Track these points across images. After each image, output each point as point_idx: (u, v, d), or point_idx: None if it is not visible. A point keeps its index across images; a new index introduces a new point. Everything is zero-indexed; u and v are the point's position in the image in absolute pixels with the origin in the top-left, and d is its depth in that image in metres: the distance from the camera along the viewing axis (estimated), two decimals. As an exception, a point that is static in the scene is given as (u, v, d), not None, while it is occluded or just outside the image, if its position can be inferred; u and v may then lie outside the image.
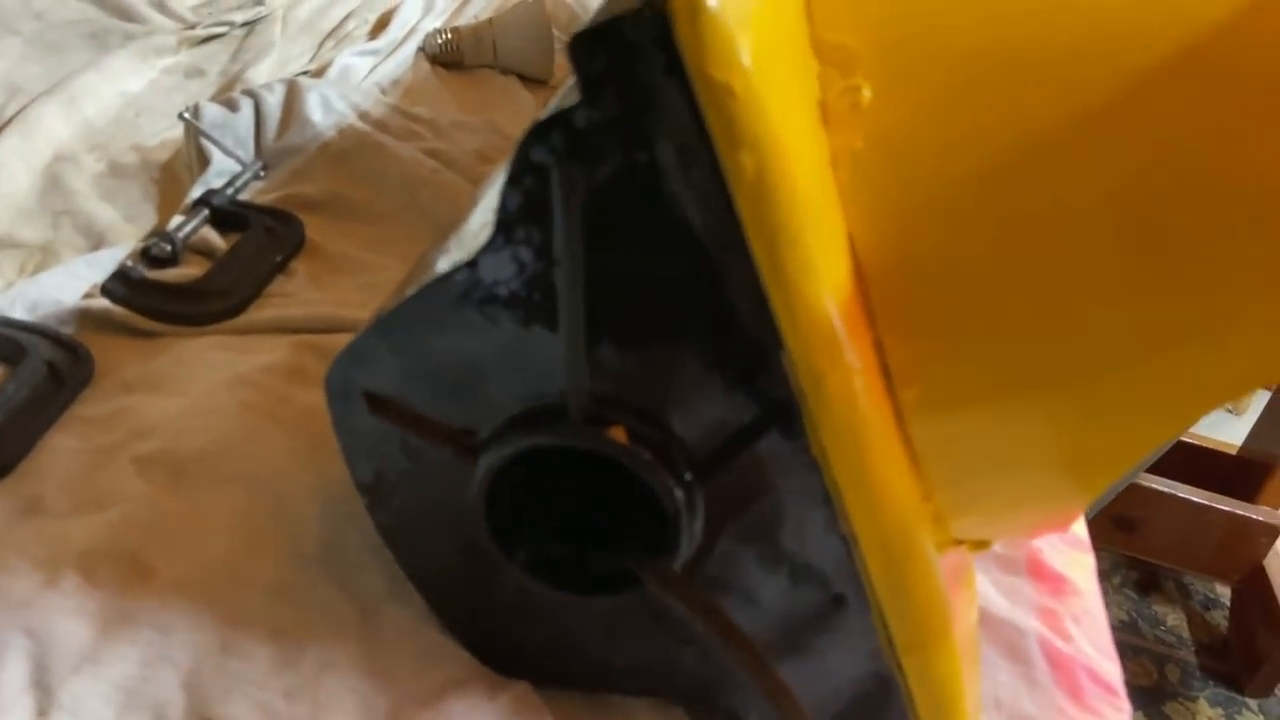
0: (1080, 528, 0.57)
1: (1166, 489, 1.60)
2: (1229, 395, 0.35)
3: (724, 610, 0.35)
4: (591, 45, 0.27)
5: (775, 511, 0.34)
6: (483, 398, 0.34)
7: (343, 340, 0.52)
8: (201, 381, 0.47)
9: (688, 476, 0.33)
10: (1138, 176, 0.30)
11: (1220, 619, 1.76)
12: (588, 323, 0.31)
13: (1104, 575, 1.81)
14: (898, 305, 0.33)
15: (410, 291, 0.34)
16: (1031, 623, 0.49)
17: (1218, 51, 0.29)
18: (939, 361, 0.34)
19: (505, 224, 0.30)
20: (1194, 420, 0.35)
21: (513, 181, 0.30)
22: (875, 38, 0.32)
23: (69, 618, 0.37)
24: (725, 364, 0.31)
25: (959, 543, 0.40)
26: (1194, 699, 1.61)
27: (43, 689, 0.35)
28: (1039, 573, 0.53)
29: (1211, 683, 1.65)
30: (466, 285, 0.32)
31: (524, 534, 0.37)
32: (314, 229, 0.61)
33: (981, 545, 0.47)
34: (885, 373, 0.34)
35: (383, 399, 0.36)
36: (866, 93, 0.31)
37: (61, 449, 0.44)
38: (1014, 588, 0.52)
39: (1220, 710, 1.60)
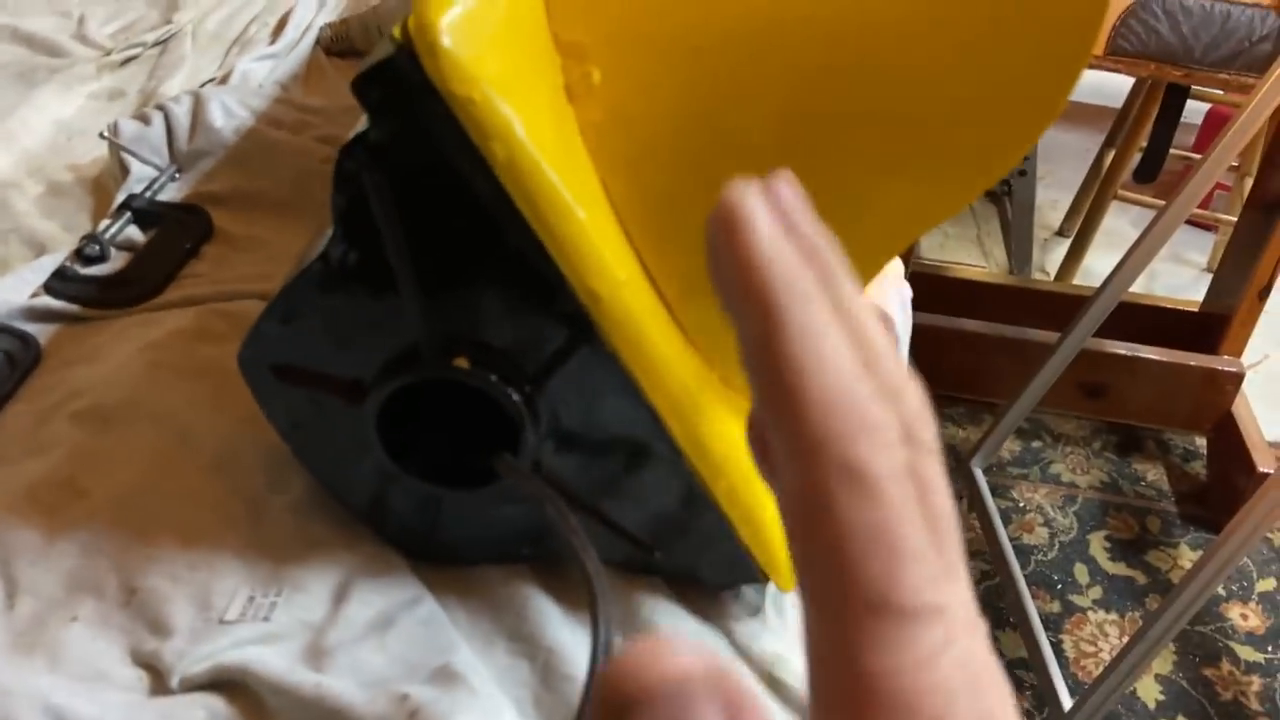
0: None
1: (1131, 352, 1.66)
2: (883, 260, 0.45)
3: (548, 487, 0.45)
4: (367, 83, 0.38)
5: (600, 397, 0.44)
6: (361, 354, 0.45)
7: (243, 305, 0.64)
8: (123, 350, 0.59)
9: (526, 388, 0.44)
10: (786, 107, 0.40)
11: (1200, 469, 1.82)
12: (419, 283, 0.42)
13: (1083, 442, 1.88)
14: (644, 228, 0.44)
15: (287, 282, 0.44)
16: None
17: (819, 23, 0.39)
18: (680, 263, 0.45)
19: (339, 221, 0.41)
20: (870, 277, 0.45)
21: (337, 189, 0.40)
22: (598, 32, 0.42)
23: (24, 529, 0.49)
24: (530, 296, 0.42)
25: None
26: (1175, 545, 1.69)
27: (8, 579, 0.47)
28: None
29: (1192, 529, 1.73)
30: (324, 271, 0.43)
31: (412, 451, 0.47)
32: (221, 219, 0.72)
33: None
34: (651, 278, 0.45)
35: (284, 367, 0.47)
36: (596, 76, 0.42)
37: (16, 414, 0.56)
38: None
39: (1201, 552, 1.67)
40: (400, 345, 0.44)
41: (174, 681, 0.44)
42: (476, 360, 0.44)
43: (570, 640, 0.48)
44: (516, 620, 0.49)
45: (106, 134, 0.74)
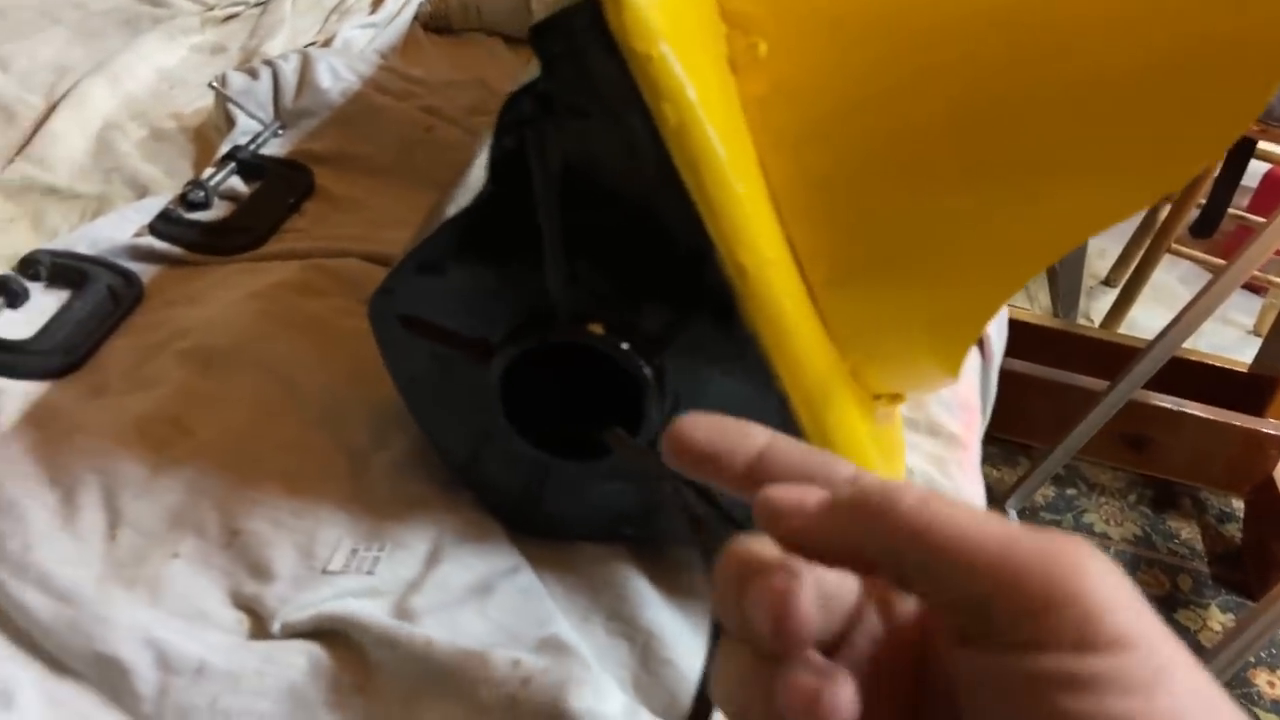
0: (974, 396, 0.66)
1: (1175, 406, 1.65)
2: (1043, 263, 0.44)
3: (665, 464, 0.44)
4: (546, 33, 0.37)
5: (728, 380, 0.43)
6: (492, 314, 0.44)
7: (345, 263, 0.64)
8: (228, 296, 0.59)
9: (657, 361, 0.43)
10: (966, 96, 0.39)
11: (1235, 531, 1.80)
12: (565, 245, 0.41)
13: (1119, 493, 1.86)
14: (799, 209, 0.43)
15: (427, 234, 0.44)
16: (921, 465, 0.59)
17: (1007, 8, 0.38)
18: (833, 248, 0.44)
19: (495, 173, 0.40)
20: (1021, 285, 0.44)
21: (497, 140, 0.40)
22: (768, 3, 0.41)
23: (130, 462, 0.48)
24: (675, 267, 0.41)
25: (878, 396, 0.50)
26: (1205, 606, 1.67)
27: (112, 510, 0.47)
28: (935, 431, 0.62)
29: (1223, 591, 1.70)
30: (468, 223, 0.42)
31: (528, 416, 0.46)
32: (323, 177, 0.72)
33: (896, 398, 0.57)
34: (797, 261, 0.44)
35: (413, 319, 0.46)
36: (763, 48, 0.42)
37: (119, 348, 0.56)
38: (912, 443, 0.61)
39: (1231, 616, 1.65)
40: (535, 306, 0.43)
41: (275, 627, 0.43)
42: (611, 328, 0.43)
43: (671, 624, 0.47)
44: (615, 600, 0.48)
45: (215, 85, 0.74)
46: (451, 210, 0.45)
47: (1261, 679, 1.56)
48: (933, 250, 0.43)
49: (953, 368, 0.48)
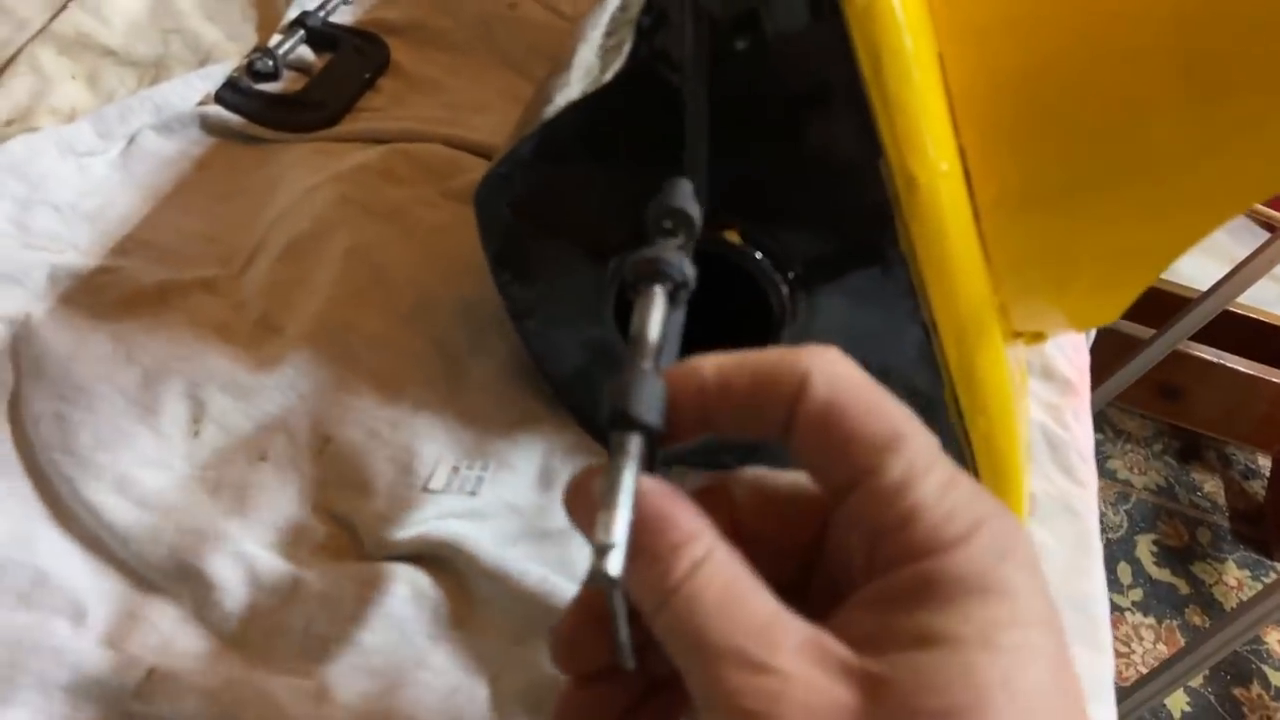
0: (1087, 337, 0.62)
1: (1215, 358, 1.61)
2: (1260, 195, 0.39)
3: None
4: None
5: (863, 306, 0.39)
6: (615, 209, 0.39)
7: (426, 149, 0.58)
8: (307, 179, 0.54)
9: (791, 275, 0.38)
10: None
11: (1259, 489, 1.78)
12: (709, 138, 0.36)
13: (1145, 442, 1.84)
14: (979, 115, 0.37)
15: (548, 116, 0.38)
16: (1037, 415, 0.55)
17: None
18: (1013, 163, 0.38)
19: (635, 48, 0.35)
20: (1232, 216, 0.39)
21: (644, 11, 0.34)
22: None
23: (218, 358, 0.44)
24: (828, 171, 0.35)
25: (1019, 335, 0.46)
26: (1222, 560, 1.66)
27: (194, 401, 0.42)
28: (1049, 375, 0.58)
29: (1242, 547, 1.69)
30: (599, 105, 0.36)
31: None
32: (398, 51, 0.65)
33: (1038, 338, 0.52)
34: (967, 176, 0.39)
35: (524, 207, 0.40)
36: None
37: (191, 227, 0.51)
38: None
39: (1247, 573, 1.64)
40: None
41: (371, 546, 0.40)
42: (747, 238, 0.38)
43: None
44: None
45: (281, -59, 0.67)
46: (564, 94, 0.40)
47: (1272, 637, 1.56)
48: (1134, 175, 0.38)
49: (1117, 310, 0.43)
